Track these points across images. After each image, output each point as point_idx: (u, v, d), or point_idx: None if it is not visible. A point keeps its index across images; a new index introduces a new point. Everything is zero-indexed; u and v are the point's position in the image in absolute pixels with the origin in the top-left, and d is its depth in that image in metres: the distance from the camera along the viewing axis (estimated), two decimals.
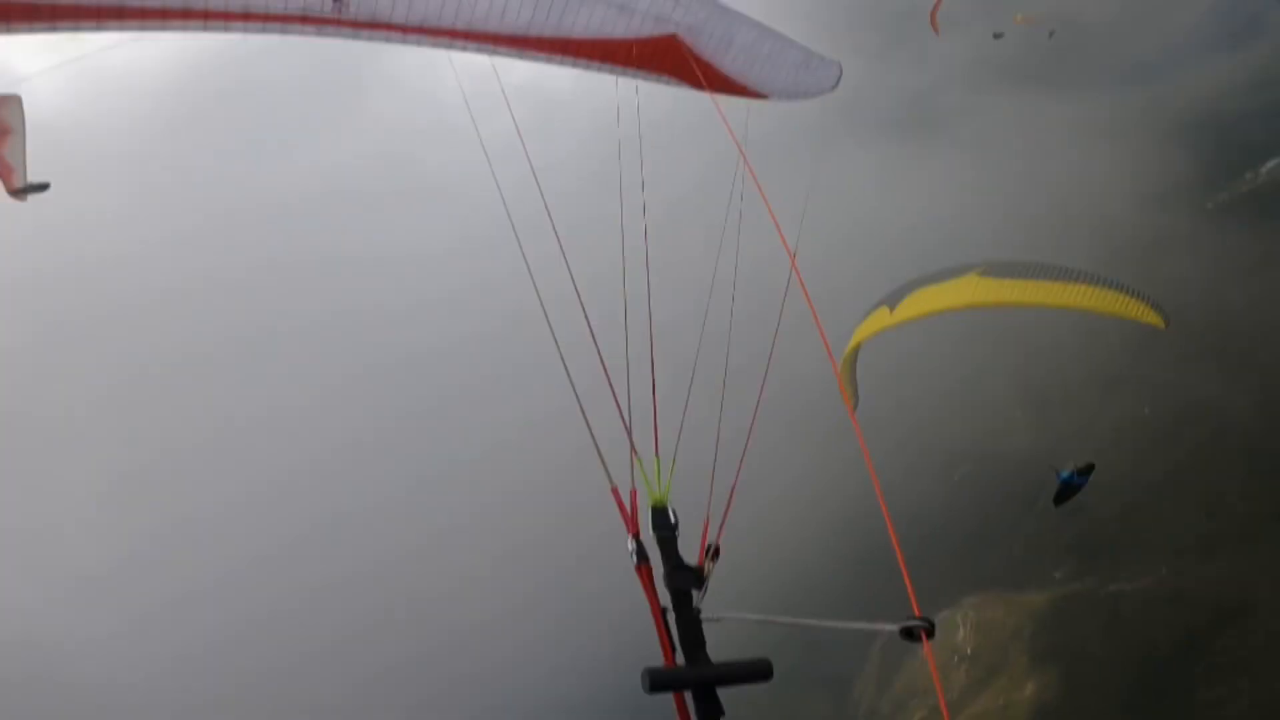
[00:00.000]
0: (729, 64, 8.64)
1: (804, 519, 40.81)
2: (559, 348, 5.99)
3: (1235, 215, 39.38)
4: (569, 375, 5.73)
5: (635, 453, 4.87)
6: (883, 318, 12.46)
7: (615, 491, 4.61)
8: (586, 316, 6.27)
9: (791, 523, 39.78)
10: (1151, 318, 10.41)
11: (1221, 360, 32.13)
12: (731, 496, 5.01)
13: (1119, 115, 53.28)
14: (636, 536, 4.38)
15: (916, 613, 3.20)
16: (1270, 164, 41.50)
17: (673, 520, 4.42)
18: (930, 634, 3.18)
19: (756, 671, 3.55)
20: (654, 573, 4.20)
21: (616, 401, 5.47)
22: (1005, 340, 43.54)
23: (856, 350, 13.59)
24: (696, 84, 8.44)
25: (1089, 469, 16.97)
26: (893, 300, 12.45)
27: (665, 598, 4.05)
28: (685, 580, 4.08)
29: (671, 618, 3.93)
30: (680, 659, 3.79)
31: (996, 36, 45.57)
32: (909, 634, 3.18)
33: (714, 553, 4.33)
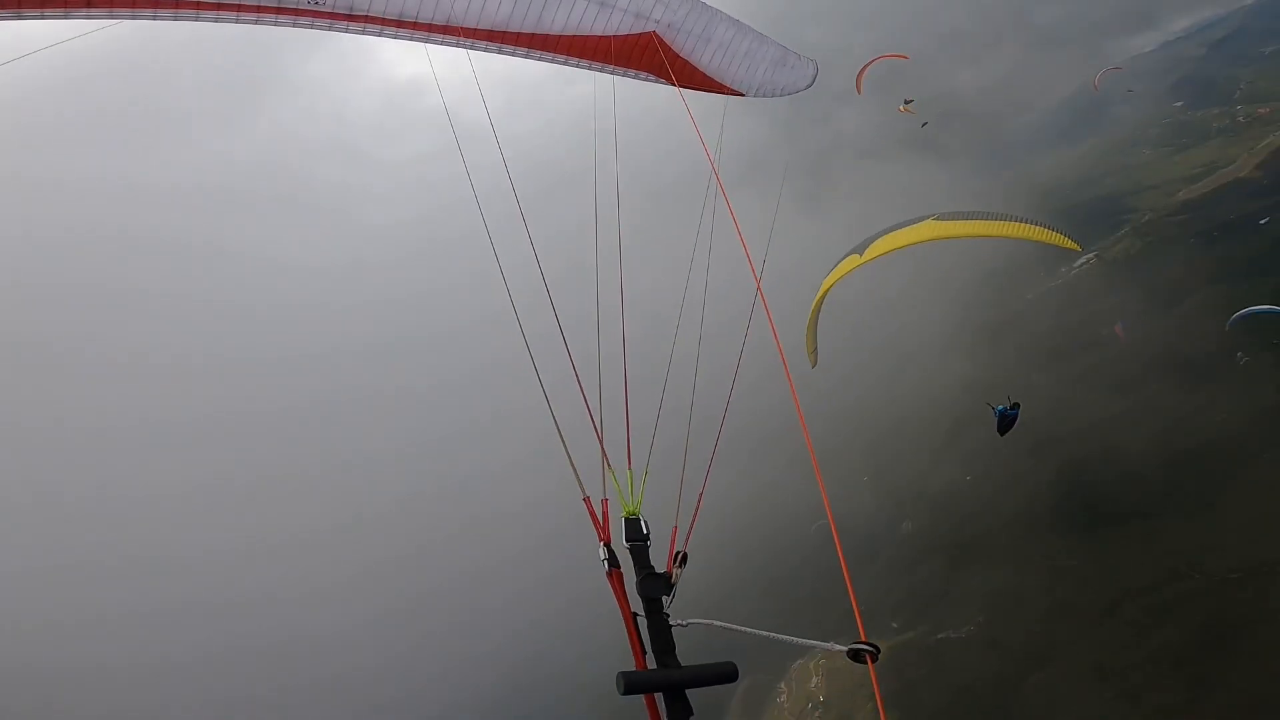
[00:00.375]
0: (707, 61, 8.70)
1: (735, 536, 42.28)
2: (534, 363, 6.07)
3: (1046, 307, 45.47)
4: (545, 394, 5.82)
5: (609, 465, 5.00)
6: (852, 262, 13.88)
7: (587, 501, 4.68)
8: (564, 336, 6.35)
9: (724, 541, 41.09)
10: (1069, 244, 12.65)
11: (1030, 436, 36.68)
12: (698, 506, 5.19)
13: (981, 192, 60.80)
14: (608, 544, 4.45)
15: (863, 637, 3.48)
16: (1079, 264, 48.14)
17: (644, 530, 4.54)
18: (875, 657, 3.41)
19: (723, 674, 3.69)
20: (625, 579, 4.31)
21: (591, 417, 5.57)
22: (859, 415, 48.04)
23: (822, 301, 14.88)
24: (671, 81, 8.52)
25: (1016, 405, 19.07)
26: (861, 248, 13.92)
27: (636, 604, 4.14)
28: (655, 587, 4.20)
29: (643, 623, 4.04)
30: (651, 662, 3.90)
31: (907, 103, 49.72)
32: (856, 655, 3.43)
33: (682, 559, 4.46)
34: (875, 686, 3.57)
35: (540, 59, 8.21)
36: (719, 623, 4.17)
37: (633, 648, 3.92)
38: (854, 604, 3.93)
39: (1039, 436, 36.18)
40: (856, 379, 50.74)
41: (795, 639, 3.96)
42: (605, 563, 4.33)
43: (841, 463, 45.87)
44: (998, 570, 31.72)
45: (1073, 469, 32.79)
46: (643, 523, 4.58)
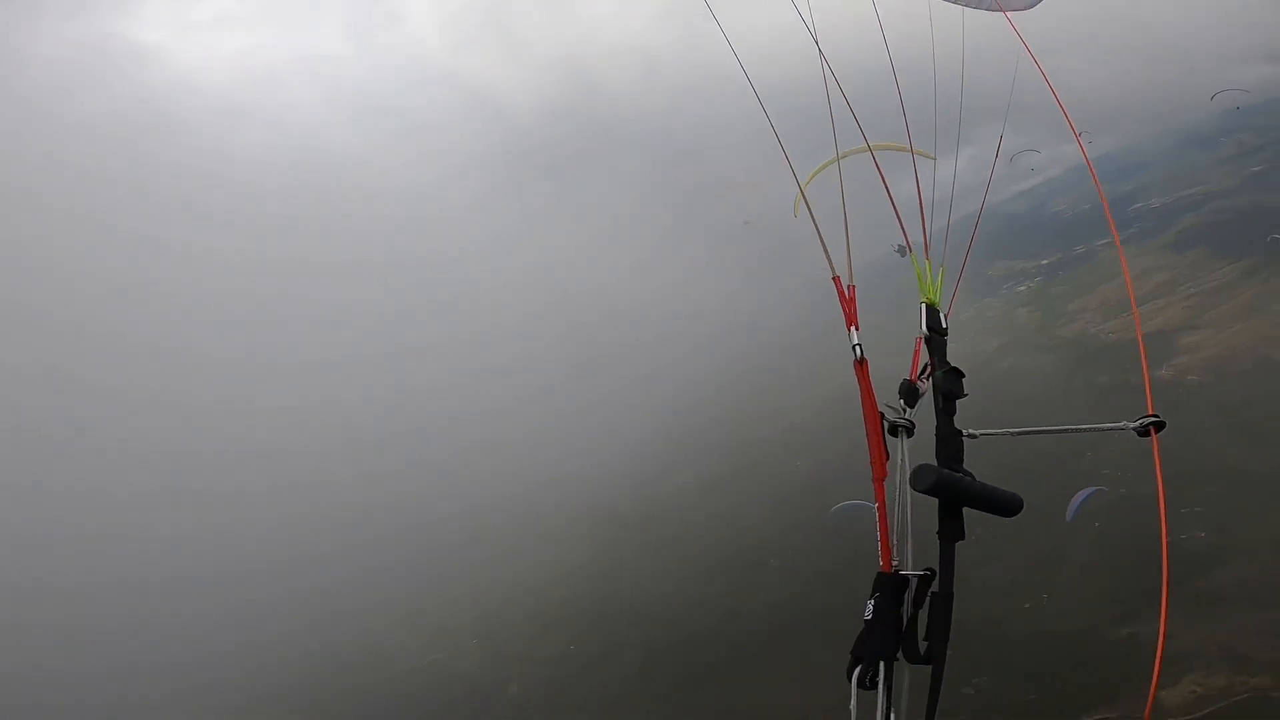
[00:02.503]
0: None
1: None
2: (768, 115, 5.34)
3: (659, 505, 53.50)
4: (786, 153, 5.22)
5: (910, 249, 4.57)
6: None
7: (837, 280, 4.06)
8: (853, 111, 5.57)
9: None
10: (927, 154, 17.88)
11: (629, 611, 42.02)
12: (955, 292, 4.88)
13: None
14: (857, 329, 3.87)
15: (1150, 411, 3.54)
16: (684, 479, 57.21)
17: (944, 323, 4.11)
18: (1160, 429, 3.36)
19: (1011, 503, 3.35)
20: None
21: (887, 188, 4.99)
22: (474, 583, 50.48)
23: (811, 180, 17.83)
24: None
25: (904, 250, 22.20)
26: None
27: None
28: (957, 386, 3.76)
29: (887, 425, 3.58)
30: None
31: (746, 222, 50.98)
32: (1144, 432, 3.42)
33: (928, 372, 3.98)
34: (1157, 462, 3.39)
35: None
36: (1011, 430, 3.99)
37: (874, 450, 3.42)
38: (1145, 370, 4.26)
39: (636, 613, 41.73)
40: (476, 550, 53.86)
41: (1081, 427, 3.89)
42: (857, 349, 3.74)
43: (449, 626, 47.38)
44: None
45: (659, 642, 38.26)
46: (942, 316, 4.15)
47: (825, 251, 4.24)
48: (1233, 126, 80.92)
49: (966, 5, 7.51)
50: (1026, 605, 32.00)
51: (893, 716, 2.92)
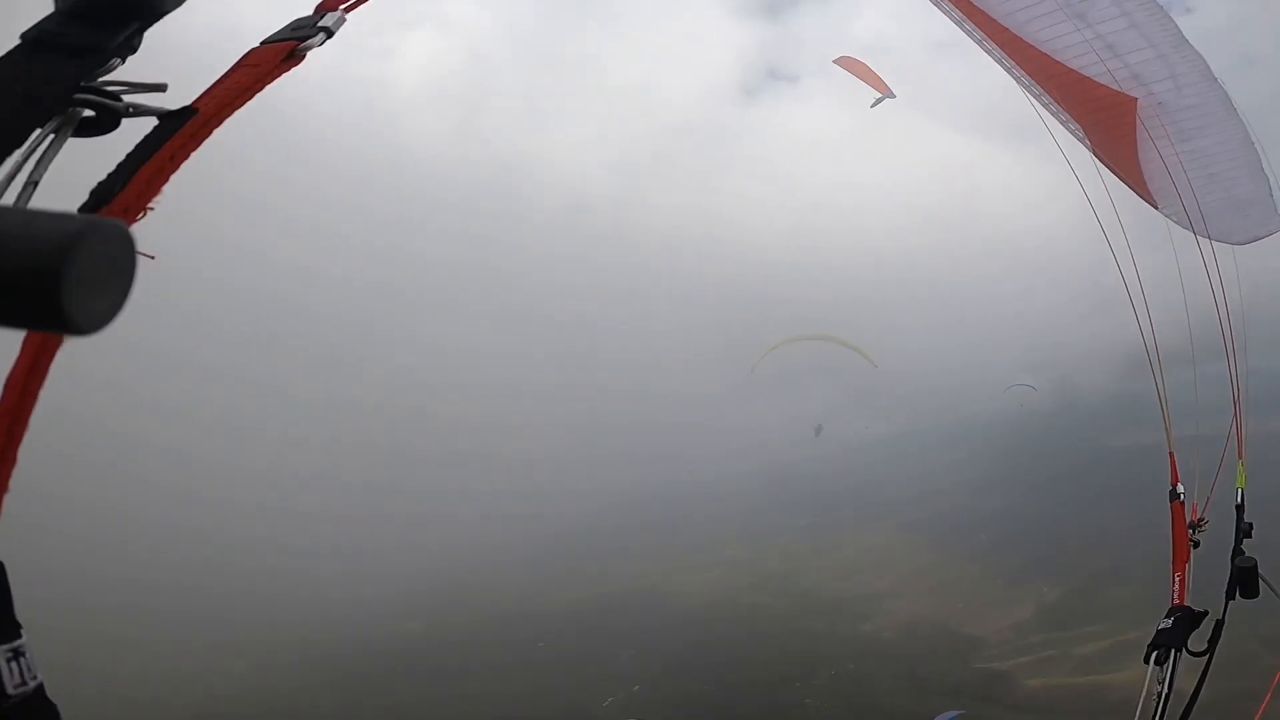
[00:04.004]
0: (1153, 159, 6.79)
1: None
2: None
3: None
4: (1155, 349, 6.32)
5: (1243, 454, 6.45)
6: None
7: (1172, 455, 5.99)
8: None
9: None
10: (870, 360, 20.22)
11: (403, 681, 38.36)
12: (1216, 479, 6.47)
13: None
14: (1177, 485, 5.89)
15: None
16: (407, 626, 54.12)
17: (1244, 502, 6.16)
18: None
19: (1254, 593, 5.10)
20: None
21: (1160, 396, 6.20)
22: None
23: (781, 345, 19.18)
24: (1093, 149, 6.79)
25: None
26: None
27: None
28: (1249, 531, 5.80)
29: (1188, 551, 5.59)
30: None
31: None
32: None
33: (1202, 524, 5.90)
34: None
35: (992, 54, 6.49)
36: (1267, 580, 5.28)
37: (1180, 547, 5.50)
38: None
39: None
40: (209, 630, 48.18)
41: None
42: (1181, 494, 5.80)
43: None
44: None
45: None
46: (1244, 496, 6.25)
47: (1167, 429, 6.21)
48: (990, 433, 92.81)
49: (1168, 216, 7.34)
50: None
51: (1167, 686, 4.56)
